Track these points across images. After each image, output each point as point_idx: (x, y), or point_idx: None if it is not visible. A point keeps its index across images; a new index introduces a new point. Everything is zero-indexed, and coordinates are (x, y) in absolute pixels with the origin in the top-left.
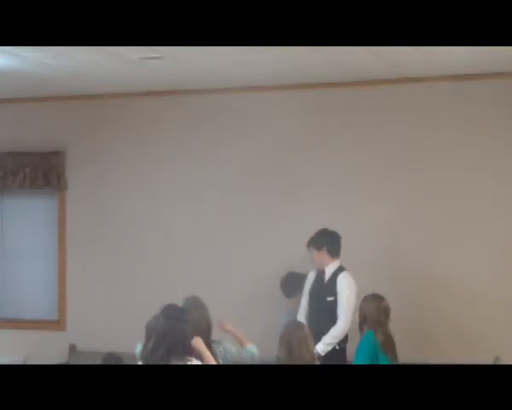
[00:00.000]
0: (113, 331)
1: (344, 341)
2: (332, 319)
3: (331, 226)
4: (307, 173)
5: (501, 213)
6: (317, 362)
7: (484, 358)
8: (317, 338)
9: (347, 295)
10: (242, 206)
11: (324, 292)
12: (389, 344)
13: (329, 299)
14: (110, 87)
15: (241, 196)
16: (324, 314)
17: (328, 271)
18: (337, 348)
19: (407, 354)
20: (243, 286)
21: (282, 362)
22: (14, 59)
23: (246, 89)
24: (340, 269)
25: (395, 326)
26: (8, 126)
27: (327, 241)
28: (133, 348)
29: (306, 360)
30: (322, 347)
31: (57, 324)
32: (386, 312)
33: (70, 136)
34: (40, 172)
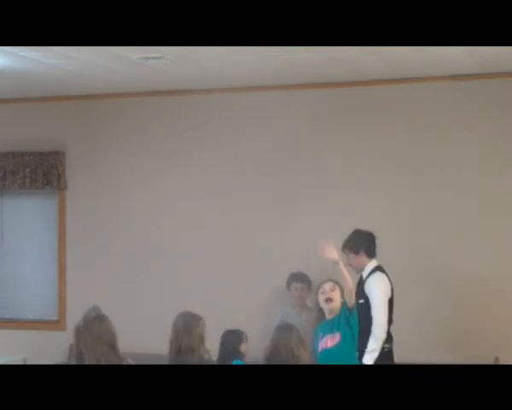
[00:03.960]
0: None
1: (388, 341)
2: (364, 323)
3: (330, 227)
4: (307, 174)
5: (500, 212)
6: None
7: (484, 358)
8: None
9: (378, 297)
10: (242, 206)
11: (358, 294)
12: None
13: (360, 301)
14: (110, 87)
15: (241, 195)
16: (358, 318)
17: (365, 273)
18: (385, 350)
19: (407, 354)
20: (242, 289)
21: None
22: (14, 59)
23: (246, 89)
24: (375, 270)
25: (393, 327)
26: (8, 126)
27: (364, 243)
28: (132, 348)
29: (294, 362)
30: (368, 358)
31: (57, 324)
32: None
33: (70, 136)
34: (40, 172)
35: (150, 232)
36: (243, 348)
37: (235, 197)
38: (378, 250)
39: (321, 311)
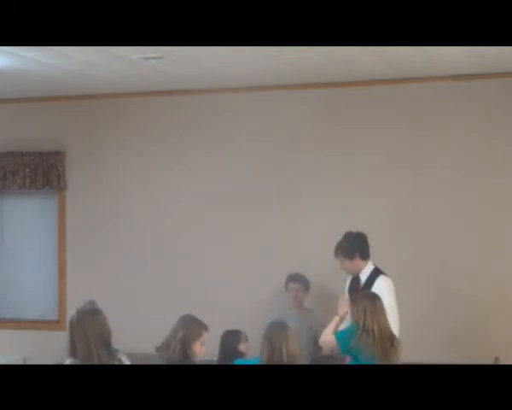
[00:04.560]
0: (114, 331)
1: None
2: None
3: (330, 227)
4: (307, 174)
5: (500, 212)
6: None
7: (484, 358)
8: None
9: (390, 303)
10: (244, 205)
11: None
12: None
13: None
14: (110, 87)
15: (241, 195)
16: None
17: (363, 276)
18: None
19: (407, 354)
20: (242, 289)
21: (264, 361)
22: (14, 59)
23: (246, 89)
24: (376, 273)
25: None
26: (8, 126)
27: (358, 246)
28: (133, 348)
29: (288, 360)
30: None
31: (57, 324)
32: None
33: (70, 136)
34: (40, 172)
35: (150, 232)
36: (242, 347)
37: (235, 197)
38: (378, 250)
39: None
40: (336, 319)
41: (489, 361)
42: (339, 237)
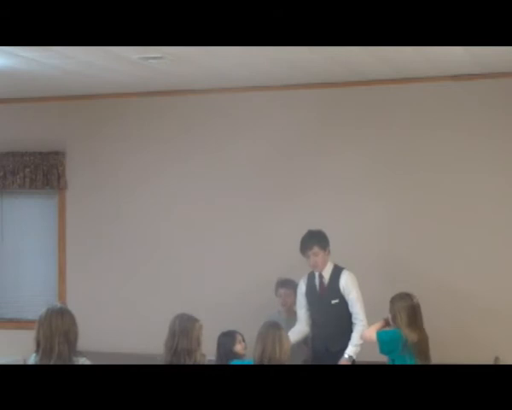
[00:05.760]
0: (114, 331)
1: None
2: (342, 322)
3: (331, 227)
4: (307, 174)
5: (501, 214)
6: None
7: (484, 358)
8: (329, 343)
9: (358, 295)
10: (242, 205)
11: (327, 296)
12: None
13: (334, 302)
14: (110, 87)
15: (240, 195)
16: (332, 319)
17: (326, 273)
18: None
19: None
20: (241, 287)
21: (257, 361)
22: (14, 59)
23: (246, 89)
24: (337, 269)
25: None
26: (8, 126)
27: (326, 240)
28: (132, 348)
29: (280, 360)
30: (353, 349)
31: None
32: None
33: (70, 136)
34: (40, 172)
35: (150, 232)
36: (238, 348)
37: (235, 197)
38: (378, 250)
39: None
40: (382, 322)
41: (489, 361)
42: (339, 237)
